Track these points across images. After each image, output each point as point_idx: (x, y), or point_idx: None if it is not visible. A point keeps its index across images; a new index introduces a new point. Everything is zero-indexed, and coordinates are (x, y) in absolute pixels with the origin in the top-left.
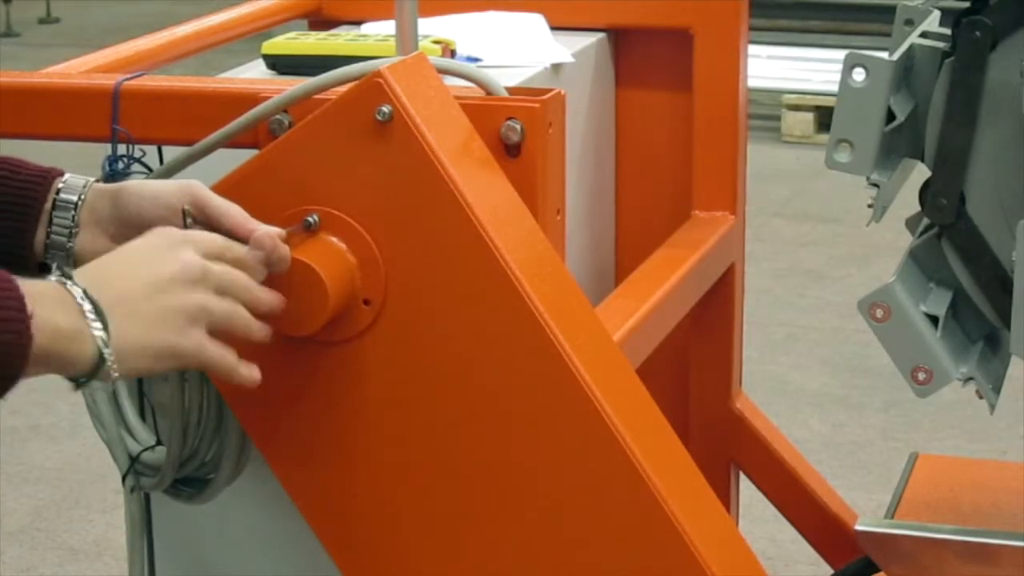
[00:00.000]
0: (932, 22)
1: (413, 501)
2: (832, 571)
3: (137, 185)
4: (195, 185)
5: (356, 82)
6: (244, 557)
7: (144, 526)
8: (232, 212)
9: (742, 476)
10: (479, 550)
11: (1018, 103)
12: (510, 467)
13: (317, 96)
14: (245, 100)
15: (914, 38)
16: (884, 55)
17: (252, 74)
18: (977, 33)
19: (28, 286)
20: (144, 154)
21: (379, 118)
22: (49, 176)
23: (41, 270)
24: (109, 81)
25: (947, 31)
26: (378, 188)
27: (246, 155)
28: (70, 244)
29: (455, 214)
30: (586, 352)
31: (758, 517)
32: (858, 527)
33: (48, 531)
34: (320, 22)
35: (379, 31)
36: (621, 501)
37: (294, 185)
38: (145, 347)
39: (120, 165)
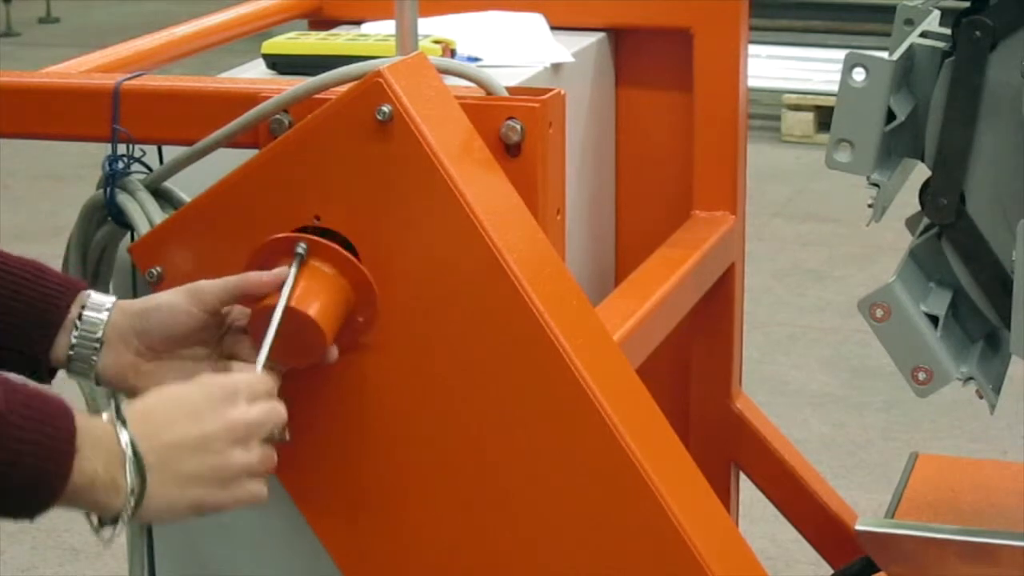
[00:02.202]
0: (932, 22)
1: (414, 501)
2: (832, 571)
3: (151, 301)
4: (192, 284)
5: (356, 82)
6: (244, 557)
7: (144, 526)
8: (226, 287)
9: (742, 476)
10: (479, 549)
11: (1018, 103)
12: (510, 467)
13: (317, 96)
14: (245, 100)
15: (914, 38)
16: (884, 55)
17: (252, 74)
18: (977, 33)
19: (82, 420)
20: (144, 154)
21: (379, 118)
22: (73, 288)
23: (51, 374)
24: (109, 81)
25: (947, 31)
26: (378, 188)
27: (246, 155)
28: (95, 359)
29: (455, 214)
30: (586, 352)
31: (758, 517)
32: (858, 527)
33: (48, 531)
34: (320, 22)
35: (379, 31)
36: (621, 501)
37: (294, 184)
38: (176, 504)
39: (120, 165)
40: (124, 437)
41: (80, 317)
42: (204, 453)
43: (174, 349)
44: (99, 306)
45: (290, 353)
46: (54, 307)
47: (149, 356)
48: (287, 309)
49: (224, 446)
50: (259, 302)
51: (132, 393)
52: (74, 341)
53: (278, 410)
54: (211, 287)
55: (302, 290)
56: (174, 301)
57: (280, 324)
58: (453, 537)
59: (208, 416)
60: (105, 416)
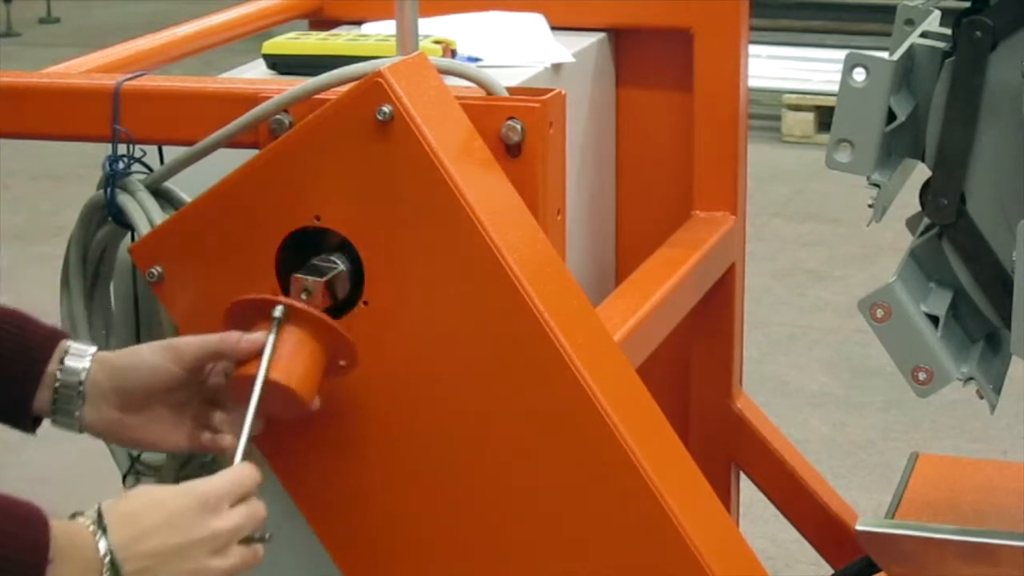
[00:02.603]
0: (932, 22)
1: (413, 500)
2: (832, 571)
3: (129, 359)
4: (171, 341)
5: (357, 82)
6: None
7: None
8: (206, 346)
9: (742, 476)
10: (479, 549)
11: (1018, 103)
12: (510, 467)
13: (318, 96)
14: (245, 100)
15: (914, 38)
16: (884, 55)
17: (252, 74)
18: (977, 33)
19: (59, 527)
20: (144, 154)
21: (380, 118)
22: (55, 338)
23: (35, 424)
24: (109, 81)
25: (947, 31)
26: (378, 188)
27: (246, 155)
28: (77, 413)
29: (455, 214)
30: (586, 352)
31: (758, 517)
32: (859, 527)
33: None
34: (320, 22)
35: (379, 31)
36: (621, 501)
37: (294, 184)
38: None
39: (120, 165)
40: (103, 546)
41: (60, 369)
42: (182, 561)
43: (154, 401)
44: (79, 356)
45: (272, 411)
46: (37, 359)
47: (131, 409)
48: (267, 381)
49: (202, 554)
50: (238, 367)
51: (120, 444)
52: (56, 396)
53: (258, 511)
54: (189, 346)
55: (280, 358)
56: (152, 362)
57: (261, 392)
58: (453, 537)
59: (189, 525)
60: (88, 521)
